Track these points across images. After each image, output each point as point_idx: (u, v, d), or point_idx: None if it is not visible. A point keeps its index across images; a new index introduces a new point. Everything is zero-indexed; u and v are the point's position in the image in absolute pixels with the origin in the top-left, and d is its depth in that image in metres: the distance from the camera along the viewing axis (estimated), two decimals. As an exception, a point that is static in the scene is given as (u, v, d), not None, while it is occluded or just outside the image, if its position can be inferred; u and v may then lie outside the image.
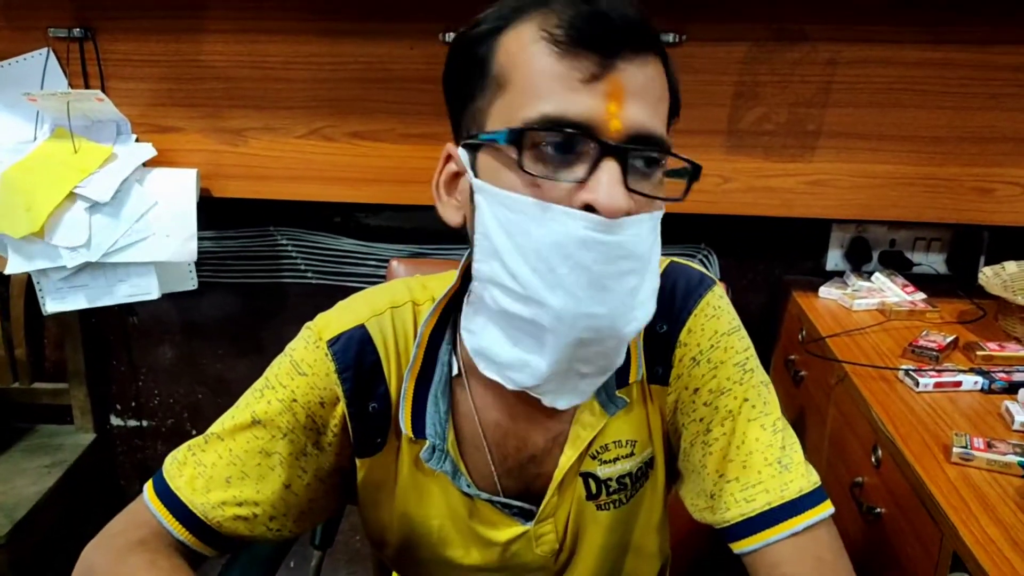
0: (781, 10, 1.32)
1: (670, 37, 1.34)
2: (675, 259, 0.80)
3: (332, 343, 0.75)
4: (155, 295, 1.47)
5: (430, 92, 1.42)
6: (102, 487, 1.90)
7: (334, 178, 1.51)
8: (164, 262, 1.47)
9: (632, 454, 0.79)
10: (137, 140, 1.49)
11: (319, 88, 1.45)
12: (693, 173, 0.64)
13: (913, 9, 1.30)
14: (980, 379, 1.11)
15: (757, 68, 1.37)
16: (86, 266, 1.42)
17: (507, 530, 0.79)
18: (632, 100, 0.59)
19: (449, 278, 0.77)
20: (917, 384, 1.11)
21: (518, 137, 0.59)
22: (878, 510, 1.01)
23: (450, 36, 1.37)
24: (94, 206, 1.41)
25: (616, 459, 0.78)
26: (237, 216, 1.71)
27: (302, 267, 1.76)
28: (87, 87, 1.48)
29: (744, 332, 0.78)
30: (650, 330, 0.77)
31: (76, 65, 1.48)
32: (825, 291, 1.50)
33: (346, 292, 1.70)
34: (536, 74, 0.60)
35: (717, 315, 0.77)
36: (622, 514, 0.81)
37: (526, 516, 0.78)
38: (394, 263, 1.29)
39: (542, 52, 0.59)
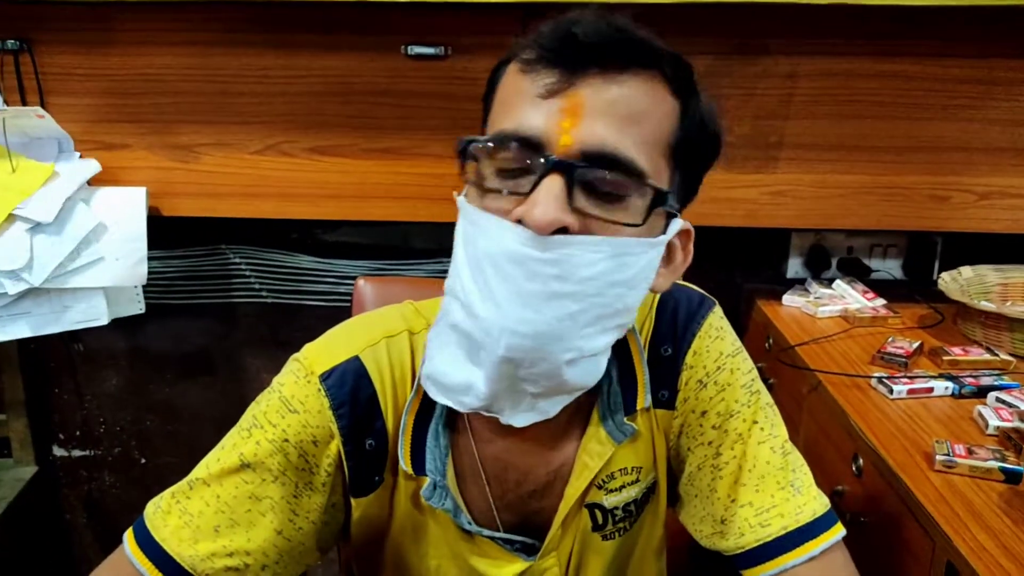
0: (742, 25, 1.33)
1: (634, 50, 1.33)
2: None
3: (325, 377, 0.71)
4: (104, 321, 1.40)
5: (392, 106, 1.39)
6: (46, 522, 1.80)
7: (292, 194, 1.46)
8: (111, 286, 1.40)
9: (637, 480, 0.77)
10: (81, 157, 1.41)
11: (275, 102, 1.40)
12: (656, 198, 0.59)
13: (869, 24, 1.33)
14: (950, 384, 1.14)
15: (720, 81, 1.38)
16: (29, 292, 1.34)
17: (509, 567, 0.76)
18: (592, 117, 0.57)
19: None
20: (891, 391, 1.13)
21: (463, 149, 0.61)
22: (862, 519, 1.02)
23: (412, 49, 1.34)
24: (36, 228, 1.33)
25: (622, 487, 0.77)
26: (185, 234, 1.64)
27: (256, 286, 1.70)
28: (24, 102, 1.40)
29: (746, 352, 0.78)
30: (655, 353, 0.76)
31: (11, 79, 1.39)
32: (788, 299, 1.52)
33: (303, 311, 1.69)
34: (504, 94, 0.62)
35: (721, 336, 0.76)
36: (625, 541, 0.80)
37: (528, 551, 0.76)
38: (361, 282, 1.24)
39: (512, 74, 0.61)
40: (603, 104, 0.57)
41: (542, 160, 0.57)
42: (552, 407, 0.66)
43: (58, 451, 1.81)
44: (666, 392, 0.76)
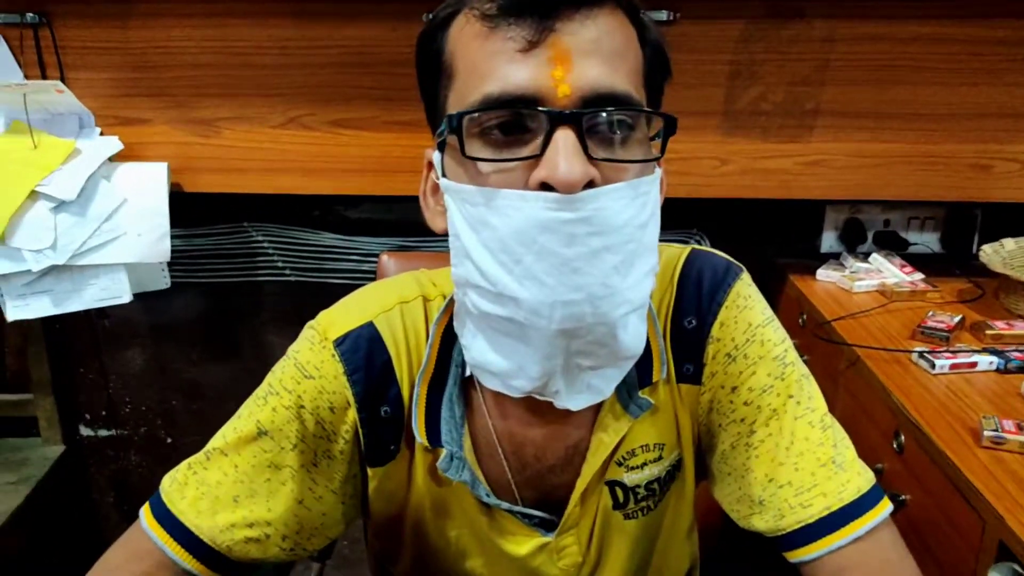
0: (775, -14, 1.29)
1: (663, 15, 1.29)
2: (696, 246, 0.75)
3: (339, 343, 0.69)
4: (127, 298, 1.39)
5: (415, 77, 1.35)
6: (74, 502, 1.81)
7: (314, 169, 1.44)
8: (134, 263, 1.39)
9: (660, 458, 0.74)
10: (101, 133, 1.40)
11: (296, 74, 1.38)
12: (668, 126, 0.58)
13: (909, -17, 1.28)
14: (995, 359, 1.09)
15: (753, 47, 1.33)
16: (52, 269, 1.33)
17: (527, 542, 0.73)
18: (582, 60, 0.54)
19: None
20: (933, 366, 1.08)
21: (457, 124, 0.55)
22: (903, 497, 0.99)
23: (435, 17, 1.31)
24: (59, 205, 1.32)
25: (644, 464, 0.73)
26: (208, 212, 1.63)
27: (279, 264, 1.68)
28: (44, 77, 1.39)
29: (777, 321, 0.73)
30: (677, 325, 0.72)
31: (31, 54, 1.38)
32: (823, 273, 1.47)
33: (327, 289, 1.67)
34: (474, 55, 0.56)
35: (749, 305, 0.72)
36: (650, 520, 0.76)
37: (547, 527, 0.73)
38: (384, 257, 1.23)
39: (476, 33, 0.56)
40: (588, 45, 0.54)
41: (546, 116, 0.54)
42: (607, 385, 0.63)
43: (85, 431, 1.81)
44: (691, 366, 0.72)
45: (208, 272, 1.68)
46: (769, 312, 0.73)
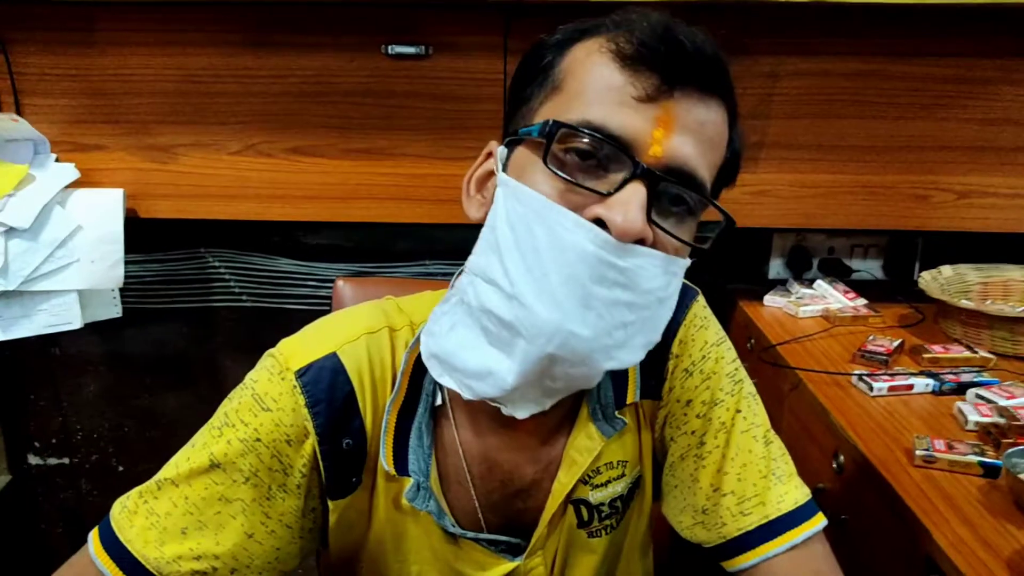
0: (721, 23, 1.34)
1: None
2: None
3: (301, 374, 0.68)
4: (77, 325, 1.38)
5: (373, 106, 1.38)
6: (21, 533, 1.77)
7: (271, 196, 1.44)
8: (86, 289, 1.38)
9: (623, 475, 0.76)
10: (57, 160, 1.40)
11: (254, 102, 1.39)
12: (726, 227, 0.61)
13: (848, 23, 1.33)
14: (931, 381, 1.14)
15: (700, 80, 1.37)
16: (1, 295, 1.32)
17: (494, 569, 0.74)
18: (682, 133, 0.57)
19: (427, 300, 0.73)
20: (871, 388, 1.12)
21: (551, 130, 0.57)
22: (842, 516, 1.02)
23: (393, 49, 1.33)
24: (10, 231, 1.31)
25: (608, 482, 0.75)
26: (164, 238, 1.63)
27: (236, 290, 1.68)
28: (-2, 103, 1.38)
29: (729, 342, 0.78)
30: None
31: (-15, 80, 1.38)
32: (770, 299, 1.51)
33: (284, 315, 1.67)
34: (591, 81, 0.58)
35: (705, 325, 0.76)
36: (613, 539, 0.78)
37: (514, 551, 0.74)
38: (340, 283, 1.24)
39: (603, 62, 0.58)
40: (694, 123, 0.57)
41: (632, 164, 0.56)
42: (551, 401, 0.65)
43: (33, 459, 1.78)
44: (653, 381, 0.75)
45: (163, 298, 1.67)
46: (722, 333, 0.78)
